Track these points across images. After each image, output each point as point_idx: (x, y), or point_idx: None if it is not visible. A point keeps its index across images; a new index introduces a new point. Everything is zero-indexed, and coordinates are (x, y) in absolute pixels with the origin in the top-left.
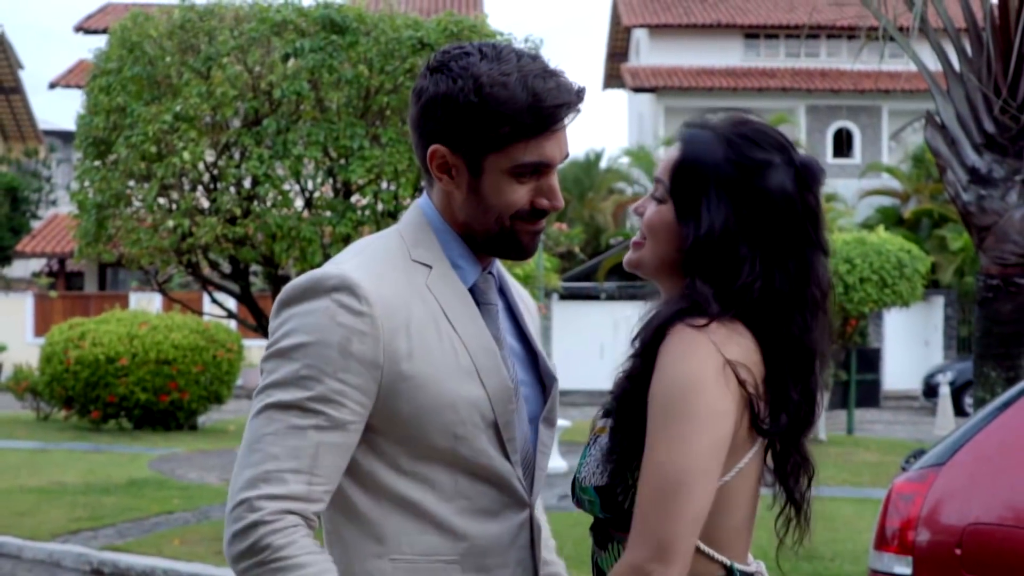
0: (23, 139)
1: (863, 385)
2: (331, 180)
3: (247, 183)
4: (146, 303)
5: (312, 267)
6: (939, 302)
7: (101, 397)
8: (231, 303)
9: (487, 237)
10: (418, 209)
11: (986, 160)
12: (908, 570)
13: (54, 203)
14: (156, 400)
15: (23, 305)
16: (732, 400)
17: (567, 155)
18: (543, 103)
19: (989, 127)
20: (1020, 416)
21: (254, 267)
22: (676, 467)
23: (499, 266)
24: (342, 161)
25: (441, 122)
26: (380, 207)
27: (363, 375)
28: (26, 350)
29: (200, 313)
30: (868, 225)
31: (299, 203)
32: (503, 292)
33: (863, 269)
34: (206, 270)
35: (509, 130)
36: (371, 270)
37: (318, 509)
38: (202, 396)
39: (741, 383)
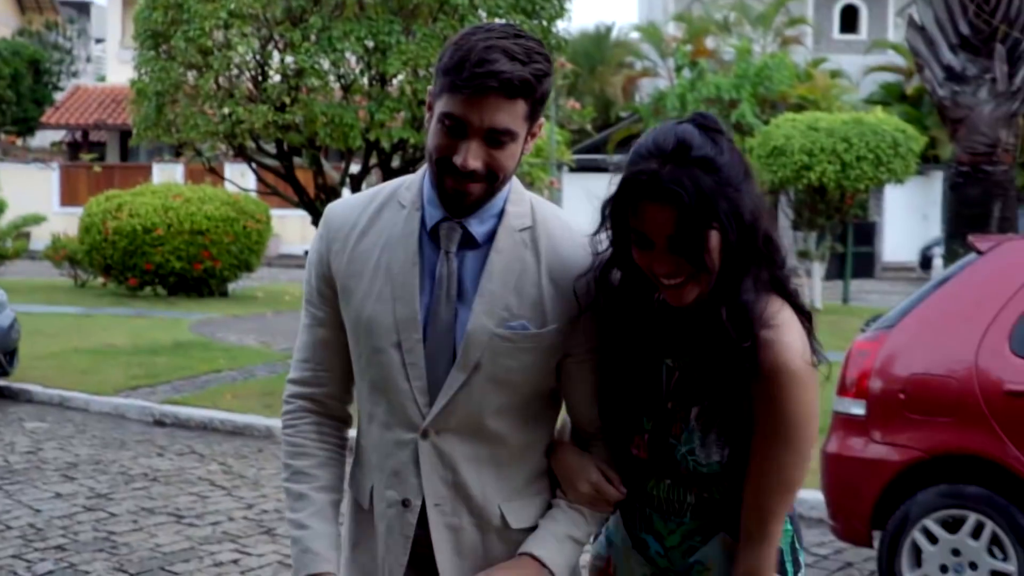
0: (40, 10)
1: (859, 257)
2: (369, 71)
3: (292, 74)
4: (168, 175)
5: (352, 150)
6: (938, 176)
7: (138, 265)
8: (250, 179)
9: (432, 179)
10: None
11: (960, 59)
12: (862, 411)
13: (75, 75)
14: (190, 268)
15: (50, 175)
16: None
17: (497, 128)
18: (462, 72)
19: (964, 29)
20: (954, 289)
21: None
22: (799, 478)
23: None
24: (379, 55)
25: None
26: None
27: (321, 283)
28: (54, 219)
29: (222, 178)
30: (872, 101)
31: (338, 92)
32: (491, 244)
33: (860, 148)
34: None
35: (441, 82)
36: (349, 204)
37: (326, 392)
38: (233, 264)
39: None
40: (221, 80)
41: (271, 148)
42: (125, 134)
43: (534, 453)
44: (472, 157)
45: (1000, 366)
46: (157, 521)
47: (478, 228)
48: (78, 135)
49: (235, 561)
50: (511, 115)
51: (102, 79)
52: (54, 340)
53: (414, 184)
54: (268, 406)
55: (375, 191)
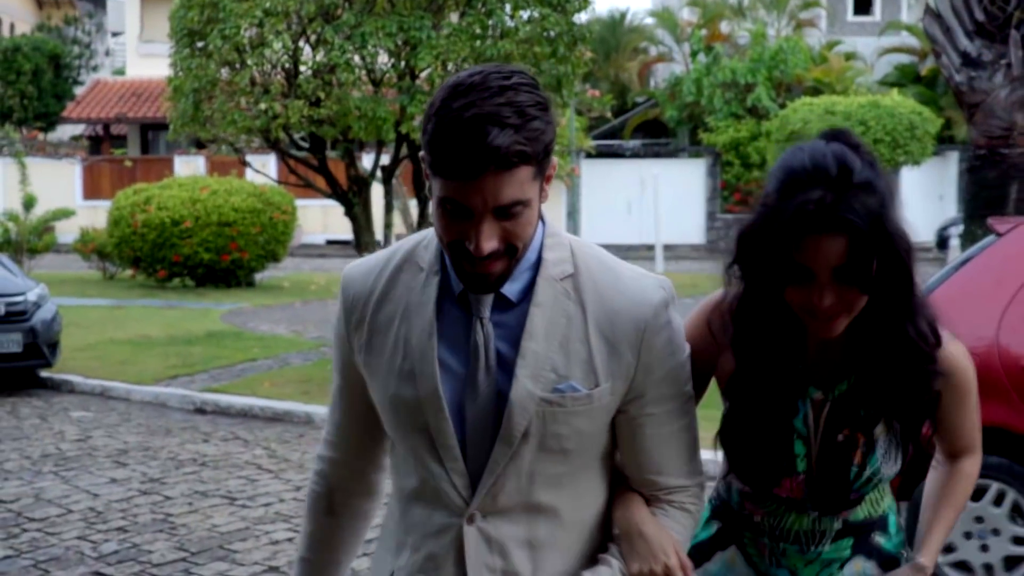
0: (57, 5)
1: None
2: (399, 65)
3: (324, 69)
4: (191, 167)
5: (386, 143)
6: (953, 157)
7: (167, 257)
8: (272, 169)
9: (449, 261)
10: None
11: (976, 46)
12: None
13: (95, 69)
14: (218, 259)
15: (73, 170)
16: None
17: (504, 204)
18: (449, 154)
19: (979, 16)
20: (975, 269)
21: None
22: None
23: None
24: (409, 49)
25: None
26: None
27: (343, 356)
28: (78, 213)
29: (254, 170)
30: (886, 82)
31: (369, 86)
32: (530, 299)
33: (877, 131)
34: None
35: (429, 160)
36: (365, 268)
37: (342, 459)
38: (260, 255)
39: None
40: (256, 76)
41: (302, 141)
42: (146, 127)
43: (590, 525)
44: (485, 239)
45: (1020, 342)
46: (211, 503)
47: (511, 287)
48: (99, 129)
49: (290, 539)
50: (516, 186)
51: (120, 72)
52: (90, 332)
53: (432, 243)
54: (306, 392)
55: (392, 251)
